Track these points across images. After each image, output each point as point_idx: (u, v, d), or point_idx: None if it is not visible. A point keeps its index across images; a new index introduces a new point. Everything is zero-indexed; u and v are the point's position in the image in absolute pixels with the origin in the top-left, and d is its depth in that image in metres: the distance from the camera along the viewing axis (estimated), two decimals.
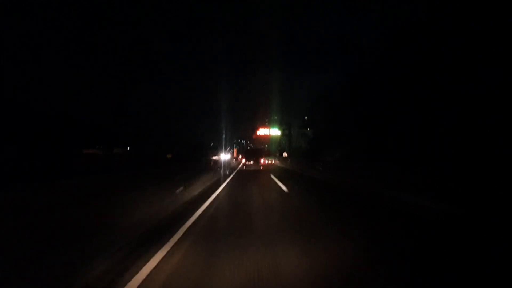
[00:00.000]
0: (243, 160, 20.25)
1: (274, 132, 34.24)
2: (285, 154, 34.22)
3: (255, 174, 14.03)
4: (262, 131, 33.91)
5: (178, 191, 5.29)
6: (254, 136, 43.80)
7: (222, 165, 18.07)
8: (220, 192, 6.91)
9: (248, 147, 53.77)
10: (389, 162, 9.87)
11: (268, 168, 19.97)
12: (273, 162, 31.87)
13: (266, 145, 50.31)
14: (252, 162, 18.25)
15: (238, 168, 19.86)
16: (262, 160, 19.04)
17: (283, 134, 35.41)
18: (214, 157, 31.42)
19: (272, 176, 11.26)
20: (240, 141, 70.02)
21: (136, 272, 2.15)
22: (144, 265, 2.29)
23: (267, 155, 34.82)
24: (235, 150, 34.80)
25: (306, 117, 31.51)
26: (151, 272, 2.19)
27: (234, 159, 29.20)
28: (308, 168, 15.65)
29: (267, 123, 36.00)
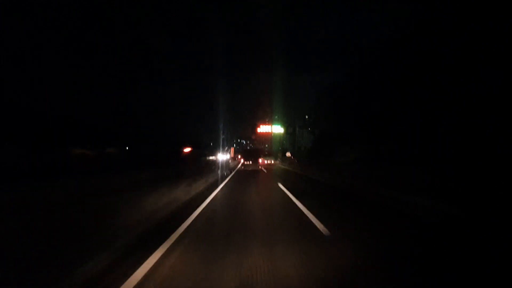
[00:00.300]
0: (242, 160, 20.45)
1: (277, 129, 31.31)
2: (288, 154, 32.20)
3: (256, 180, 10.87)
4: (263, 129, 31.11)
5: None
6: (254, 136, 42.05)
7: (220, 166, 16.78)
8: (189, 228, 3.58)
9: (248, 147, 53.81)
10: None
11: (270, 170, 18.15)
12: (272, 162, 30.83)
13: (267, 145, 49.11)
14: (250, 162, 18.61)
15: (236, 169, 18.88)
16: (260, 160, 19.58)
17: (286, 132, 32.64)
18: (211, 157, 30.77)
19: (282, 188, 7.85)
20: (240, 141, 70.24)
21: None
22: None
23: (266, 155, 34.25)
24: (232, 150, 33.24)
25: (307, 116, 28.73)
26: None
27: (230, 160, 28.05)
28: (323, 172, 12.61)
29: (267, 121, 33.48)
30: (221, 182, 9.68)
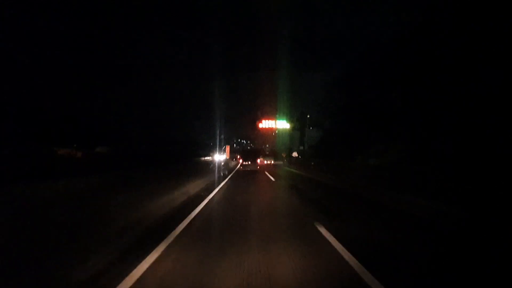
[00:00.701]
0: (240, 161, 20.65)
1: (282, 125, 26.48)
2: (295, 154, 28.73)
3: (267, 220, 4.55)
4: (265, 124, 26.32)
5: None
6: (255, 132, 38.67)
7: (216, 169, 14.33)
8: None
9: (249, 147, 53.69)
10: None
11: (279, 176, 13.13)
12: (272, 162, 29.55)
13: (267, 145, 46.24)
14: (249, 162, 18.57)
15: (234, 172, 16.35)
16: (259, 161, 19.74)
17: (293, 128, 27.36)
18: (207, 158, 29.98)
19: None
20: (241, 141, 70.51)
21: None
22: None
23: (266, 155, 33.56)
24: (227, 148, 31.16)
25: (308, 116, 25.49)
26: None
27: (223, 162, 26.28)
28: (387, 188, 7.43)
29: (268, 116, 28.88)
30: (194, 208, 4.99)
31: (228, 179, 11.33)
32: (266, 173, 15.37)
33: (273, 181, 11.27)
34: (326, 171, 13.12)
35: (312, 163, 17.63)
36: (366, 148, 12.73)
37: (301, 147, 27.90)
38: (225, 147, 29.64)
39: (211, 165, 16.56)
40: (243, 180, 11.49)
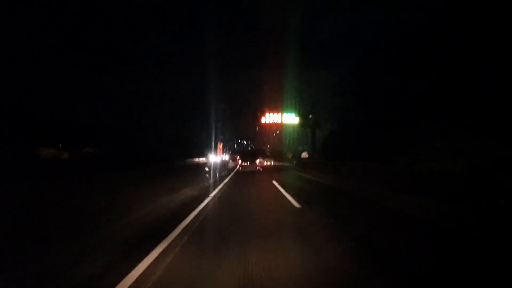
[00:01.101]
0: (239, 162, 20.52)
1: (289, 119, 22.97)
2: (304, 155, 25.86)
3: None
4: (270, 118, 22.94)
5: None
6: (257, 127, 35.61)
7: (211, 173, 11.68)
8: None
9: (249, 148, 53.47)
10: None
11: (302, 198, 5.60)
12: (272, 163, 27.79)
13: (268, 145, 44.13)
14: (248, 163, 18.45)
15: (228, 178, 11.87)
16: (258, 161, 19.58)
17: (301, 124, 23.52)
18: (201, 159, 29.30)
19: None
20: (241, 141, 70.41)
21: None
22: None
23: (266, 156, 33.17)
24: (219, 146, 28.81)
25: (310, 116, 22.96)
26: None
27: (218, 165, 23.60)
28: None
29: (273, 110, 24.05)
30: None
31: (213, 199, 6.29)
32: (276, 185, 9.04)
33: (299, 210, 5.04)
34: (387, 183, 6.93)
35: (344, 168, 10.66)
36: (412, 147, 9.13)
37: (304, 146, 26.61)
38: (221, 146, 27.66)
39: (203, 170, 14.65)
40: (236, 208, 5.39)
